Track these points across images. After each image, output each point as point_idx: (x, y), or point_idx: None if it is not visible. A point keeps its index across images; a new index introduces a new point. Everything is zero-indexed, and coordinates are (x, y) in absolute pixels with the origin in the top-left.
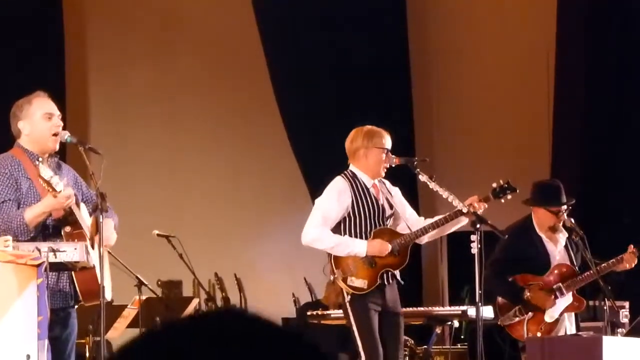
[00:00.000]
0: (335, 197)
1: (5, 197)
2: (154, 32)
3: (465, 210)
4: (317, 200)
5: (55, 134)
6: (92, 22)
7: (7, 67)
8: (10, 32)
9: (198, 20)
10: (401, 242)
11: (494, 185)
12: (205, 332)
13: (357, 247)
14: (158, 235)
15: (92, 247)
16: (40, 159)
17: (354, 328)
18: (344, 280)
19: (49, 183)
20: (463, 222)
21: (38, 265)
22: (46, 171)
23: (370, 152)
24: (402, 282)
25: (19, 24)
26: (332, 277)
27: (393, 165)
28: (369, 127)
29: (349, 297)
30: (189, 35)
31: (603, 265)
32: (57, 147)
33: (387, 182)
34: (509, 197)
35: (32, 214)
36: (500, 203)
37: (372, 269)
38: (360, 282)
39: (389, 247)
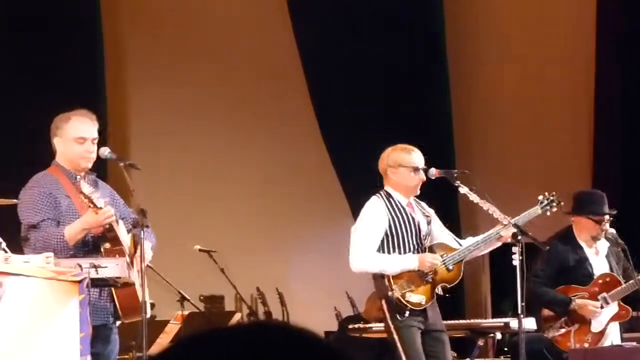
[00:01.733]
0: (373, 219)
1: (44, 216)
2: (193, 46)
3: (505, 222)
4: (355, 225)
5: (85, 159)
6: (131, 39)
7: (47, 82)
8: (51, 47)
9: (234, 32)
10: (454, 256)
11: (540, 197)
12: (245, 343)
13: (408, 262)
14: (199, 250)
15: (132, 264)
16: (77, 177)
17: (397, 343)
18: (402, 296)
19: (90, 199)
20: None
21: (80, 282)
22: (87, 187)
23: (398, 171)
24: (447, 295)
25: (60, 40)
26: (389, 294)
27: (433, 178)
28: (397, 146)
29: (390, 317)
30: (227, 47)
31: None
32: (90, 166)
33: (423, 203)
34: (555, 209)
35: (73, 231)
36: (539, 215)
37: (429, 285)
38: (417, 298)
39: (439, 260)
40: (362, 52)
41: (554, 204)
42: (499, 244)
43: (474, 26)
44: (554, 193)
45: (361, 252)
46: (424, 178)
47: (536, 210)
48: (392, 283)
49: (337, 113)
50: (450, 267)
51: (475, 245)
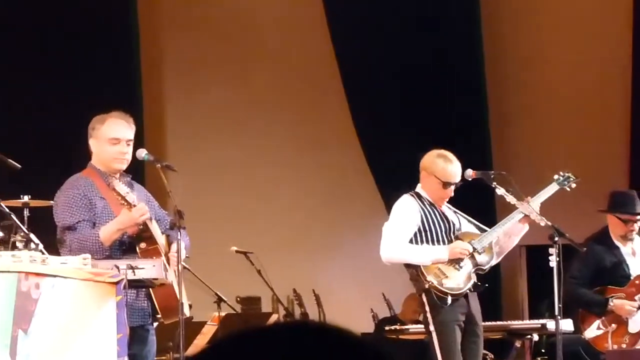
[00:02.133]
0: (405, 213)
1: (79, 218)
2: (229, 48)
3: (543, 223)
4: (388, 222)
5: (119, 160)
6: (168, 40)
7: (84, 84)
8: (88, 49)
9: (273, 37)
10: (481, 240)
11: (555, 176)
12: (282, 343)
13: (439, 253)
14: (236, 251)
15: (168, 264)
16: (112, 178)
17: (435, 343)
18: (439, 284)
19: (123, 197)
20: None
21: (117, 283)
22: (121, 186)
23: (430, 179)
24: (487, 285)
25: (97, 42)
26: (426, 285)
27: (470, 180)
28: (441, 152)
29: (431, 311)
30: (264, 50)
31: None
32: (124, 167)
33: (451, 207)
34: (574, 185)
35: (108, 231)
36: (576, 216)
37: (463, 270)
38: (454, 283)
39: (470, 247)
40: (399, 54)
41: (571, 179)
42: (526, 227)
43: (510, 27)
44: (567, 171)
45: (391, 242)
46: (452, 194)
47: (554, 186)
48: (426, 274)
49: (373, 114)
50: (481, 251)
51: (501, 225)
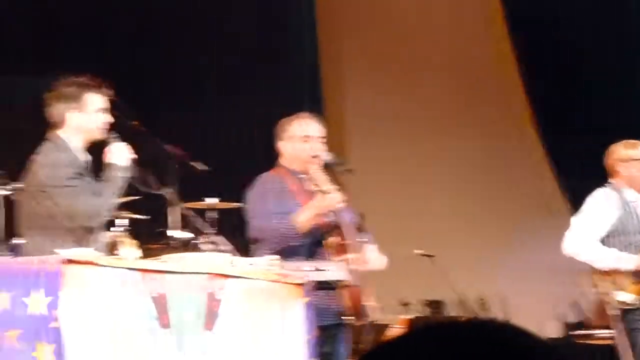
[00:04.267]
0: (600, 208)
1: (272, 210)
2: (407, 50)
3: None
4: (577, 214)
5: (313, 156)
6: (346, 44)
7: (267, 88)
8: (270, 53)
9: (446, 37)
10: None
11: None
12: (461, 341)
13: (625, 260)
14: (420, 254)
15: (356, 263)
16: (302, 177)
17: (625, 350)
18: (610, 295)
19: (318, 184)
20: None
21: (304, 284)
22: (318, 174)
23: (630, 165)
24: None
25: (278, 46)
26: (594, 291)
27: None
28: (626, 141)
29: (619, 313)
30: (439, 52)
31: None
32: (316, 165)
33: None
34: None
35: (304, 216)
36: None
37: None
38: (627, 297)
39: None
40: (580, 50)
41: None
42: None
43: None
44: None
45: (577, 235)
46: None
47: None
48: (597, 280)
49: (557, 114)
50: None
51: None
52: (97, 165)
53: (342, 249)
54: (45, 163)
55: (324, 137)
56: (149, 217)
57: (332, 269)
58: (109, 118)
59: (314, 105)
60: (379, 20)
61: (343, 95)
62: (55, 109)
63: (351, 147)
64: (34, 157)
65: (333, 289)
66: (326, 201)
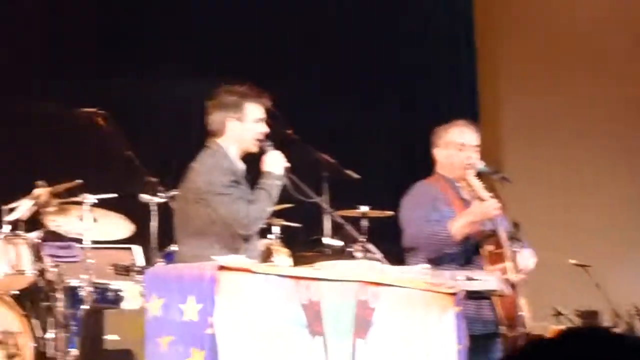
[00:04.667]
0: None
1: (429, 218)
2: (566, 53)
3: None
4: None
5: (467, 165)
6: (504, 49)
7: (420, 97)
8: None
9: (608, 38)
10: None
11: None
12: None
13: None
14: (574, 264)
15: (512, 272)
16: (457, 185)
17: None
18: None
19: (475, 190)
20: None
21: (455, 294)
22: (475, 180)
23: None
24: None
25: (434, 55)
26: None
27: None
28: None
29: None
30: (598, 53)
31: None
32: (472, 172)
33: None
34: None
35: (460, 223)
36: None
37: None
38: None
39: None
40: None
41: None
42: None
43: None
44: None
45: None
46: None
47: None
48: None
49: None
50: None
51: None
52: (251, 174)
53: (497, 258)
54: (203, 170)
55: (478, 146)
56: (302, 225)
57: (484, 278)
58: (265, 128)
59: (471, 112)
60: (538, 26)
61: (499, 101)
62: (216, 117)
63: (507, 154)
64: (192, 164)
65: (486, 298)
66: (483, 209)
